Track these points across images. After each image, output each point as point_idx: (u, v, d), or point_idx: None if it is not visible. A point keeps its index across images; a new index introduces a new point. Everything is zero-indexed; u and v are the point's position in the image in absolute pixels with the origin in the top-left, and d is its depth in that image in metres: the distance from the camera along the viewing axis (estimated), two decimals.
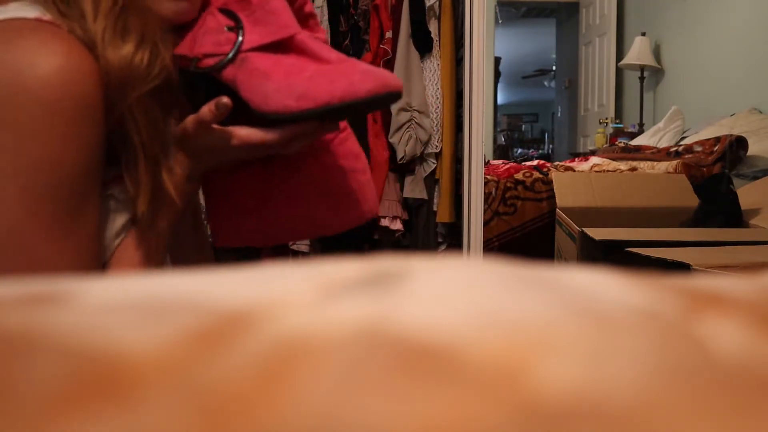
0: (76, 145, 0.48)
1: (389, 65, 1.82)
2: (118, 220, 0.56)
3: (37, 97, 0.46)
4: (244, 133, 0.57)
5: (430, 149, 1.83)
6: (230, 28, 0.57)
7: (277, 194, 0.67)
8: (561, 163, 2.44)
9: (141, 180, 0.53)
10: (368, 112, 0.60)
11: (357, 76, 0.53)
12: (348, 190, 0.68)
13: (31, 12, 0.49)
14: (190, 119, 0.57)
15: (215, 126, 0.56)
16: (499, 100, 8.11)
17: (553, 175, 1.99)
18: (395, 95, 0.55)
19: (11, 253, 0.47)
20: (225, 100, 0.55)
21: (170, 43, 0.55)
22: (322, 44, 0.59)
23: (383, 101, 0.56)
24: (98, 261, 0.53)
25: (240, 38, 0.56)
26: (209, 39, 0.57)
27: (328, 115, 0.56)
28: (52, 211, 0.47)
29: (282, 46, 0.58)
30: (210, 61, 0.57)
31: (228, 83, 0.57)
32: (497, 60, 6.07)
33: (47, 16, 0.49)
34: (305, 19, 0.62)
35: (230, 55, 0.56)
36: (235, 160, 0.61)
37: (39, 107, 0.46)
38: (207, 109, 0.56)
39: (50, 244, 0.48)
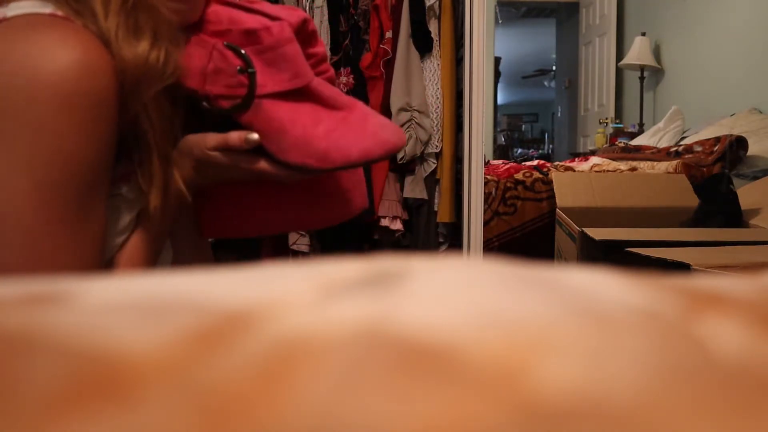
0: (90, 141, 0.48)
1: (389, 65, 1.83)
2: (125, 218, 0.56)
3: (54, 92, 0.46)
4: (261, 164, 0.59)
5: (430, 149, 1.83)
6: (241, 71, 0.57)
7: (266, 190, 0.67)
8: (561, 163, 2.44)
9: (154, 175, 0.54)
10: None
11: (370, 142, 0.59)
12: (338, 188, 0.69)
13: (45, 8, 0.49)
14: (213, 138, 0.58)
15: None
16: (499, 100, 8.12)
17: (553, 175, 1.99)
18: (396, 150, 0.62)
19: (20, 246, 0.47)
20: (255, 137, 0.57)
21: (182, 41, 0.56)
22: (333, 88, 0.62)
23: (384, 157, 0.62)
24: (103, 257, 0.54)
25: (253, 84, 0.57)
26: (221, 80, 0.57)
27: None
28: (62, 207, 0.48)
29: (296, 93, 0.59)
30: (224, 104, 0.58)
31: (243, 125, 0.58)
32: (497, 60, 6.07)
33: (60, 12, 0.49)
34: (308, 39, 0.63)
35: (245, 103, 0.57)
36: (235, 180, 0.63)
37: (56, 102, 0.46)
38: (237, 137, 0.57)
39: (59, 238, 0.48)
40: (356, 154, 0.58)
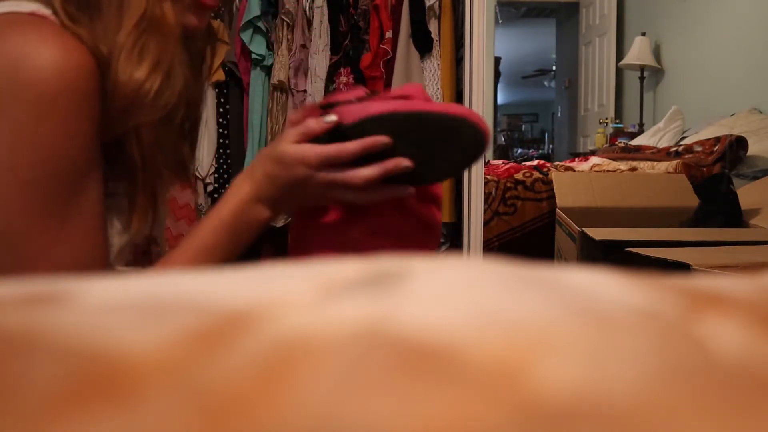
0: (72, 138, 0.48)
1: (389, 65, 1.83)
2: (123, 219, 0.56)
3: (32, 91, 0.46)
4: (331, 149, 0.57)
5: None
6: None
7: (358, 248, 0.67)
8: (561, 163, 2.44)
9: (137, 203, 0.53)
10: (456, 162, 0.59)
11: (440, 105, 0.57)
12: (421, 238, 0.68)
13: (27, 6, 0.49)
14: (293, 131, 0.58)
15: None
16: (499, 100, 8.12)
17: (553, 175, 1.99)
18: (471, 126, 0.56)
19: (10, 245, 0.47)
20: (333, 117, 0.57)
21: (180, 76, 0.55)
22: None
23: (459, 128, 0.57)
24: (104, 247, 0.53)
25: (365, 96, 0.60)
26: (341, 96, 0.61)
27: (404, 124, 0.57)
28: (48, 201, 0.48)
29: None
30: (333, 100, 0.60)
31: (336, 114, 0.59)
32: (497, 60, 6.08)
33: (42, 11, 0.49)
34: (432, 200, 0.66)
35: (353, 100, 0.59)
36: (311, 197, 0.59)
37: (34, 100, 0.46)
38: (314, 120, 0.57)
39: (48, 233, 0.48)
40: (419, 106, 0.56)
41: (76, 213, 0.49)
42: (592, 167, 2.27)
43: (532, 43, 7.01)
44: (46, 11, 0.49)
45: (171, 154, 0.56)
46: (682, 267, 0.89)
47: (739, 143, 2.27)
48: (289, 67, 1.92)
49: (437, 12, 1.83)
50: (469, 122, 0.56)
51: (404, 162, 0.57)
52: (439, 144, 0.57)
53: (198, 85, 0.63)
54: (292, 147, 0.56)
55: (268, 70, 1.95)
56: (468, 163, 0.59)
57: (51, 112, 0.46)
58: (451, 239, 1.89)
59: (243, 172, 0.59)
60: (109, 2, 0.50)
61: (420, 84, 0.67)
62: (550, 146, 7.65)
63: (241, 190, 0.57)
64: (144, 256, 0.61)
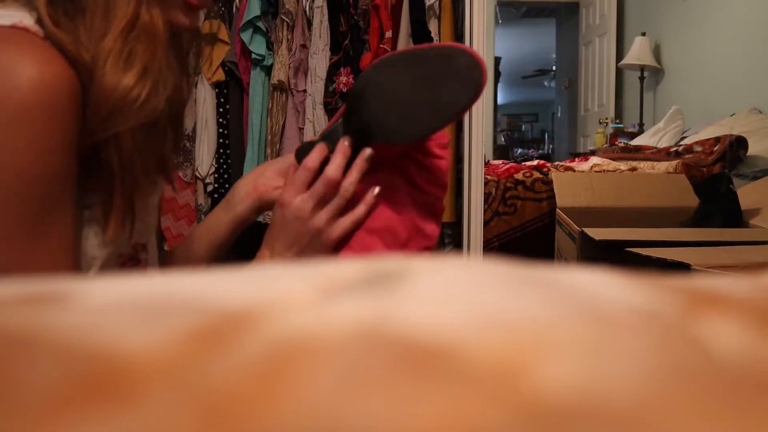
0: (46, 155, 0.47)
1: None
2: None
3: (5, 107, 0.45)
4: (313, 190, 0.58)
5: None
6: None
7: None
8: (561, 163, 2.44)
9: (114, 208, 0.52)
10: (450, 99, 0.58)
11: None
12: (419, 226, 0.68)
13: (8, 19, 0.48)
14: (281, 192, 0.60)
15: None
16: (499, 100, 8.12)
17: (553, 175, 1.99)
18: (464, 53, 0.57)
19: None
20: (368, 151, 0.58)
21: (170, 81, 0.54)
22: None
23: (452, 56, 0.57)
24: (75, 267, 0.52)
25: None
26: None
27: (400, 63, 0.57)
28: (18, 220, 0.46)
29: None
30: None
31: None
32: (497, 60, 6.08)
33: (24, 22, 0.48)
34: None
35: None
36: (325, 241, 0.59)
37: (7, 117, 0.45)
38: (300, 169, 0.59)
39: (17, 251, 0.47)
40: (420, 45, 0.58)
41: (47, 232, 0.48)
42: (592, 167, 2.27)
43: (532, 43, 7.01)
44: (28, 21, 0.48)
45: (152, 157, 0.55)
46: (681, 267, 0.89)
47: (739, 143, 2.27)
48: (289, 67, 1.92)
49: (437, 12, 1.83)
50: (461, 50, 0.57)
51: (367, 152, 0.59)
52: (436, 78, 0.57)
53: (185, 85, 0.63)
54: (282, 203, 0.58)
55: (268, 70, 1.95)
56: (467, 98, 0.58)
57: (25, 130, 0.45)
58: (453, 239, 1.89)
59: (264, 245, 0.61)
60: (94, 6, 0.49)
61: None
62: (550, 146, 7.65)
63: (261, 259, 0.60)
64: (131, 261, 0.60)
